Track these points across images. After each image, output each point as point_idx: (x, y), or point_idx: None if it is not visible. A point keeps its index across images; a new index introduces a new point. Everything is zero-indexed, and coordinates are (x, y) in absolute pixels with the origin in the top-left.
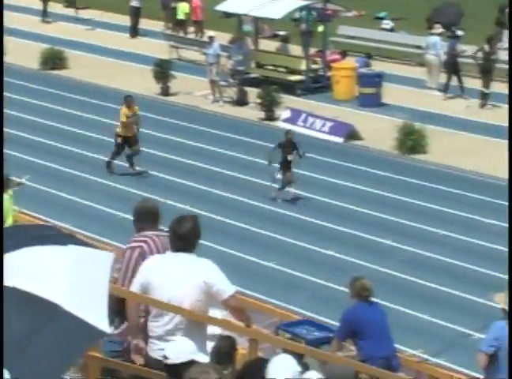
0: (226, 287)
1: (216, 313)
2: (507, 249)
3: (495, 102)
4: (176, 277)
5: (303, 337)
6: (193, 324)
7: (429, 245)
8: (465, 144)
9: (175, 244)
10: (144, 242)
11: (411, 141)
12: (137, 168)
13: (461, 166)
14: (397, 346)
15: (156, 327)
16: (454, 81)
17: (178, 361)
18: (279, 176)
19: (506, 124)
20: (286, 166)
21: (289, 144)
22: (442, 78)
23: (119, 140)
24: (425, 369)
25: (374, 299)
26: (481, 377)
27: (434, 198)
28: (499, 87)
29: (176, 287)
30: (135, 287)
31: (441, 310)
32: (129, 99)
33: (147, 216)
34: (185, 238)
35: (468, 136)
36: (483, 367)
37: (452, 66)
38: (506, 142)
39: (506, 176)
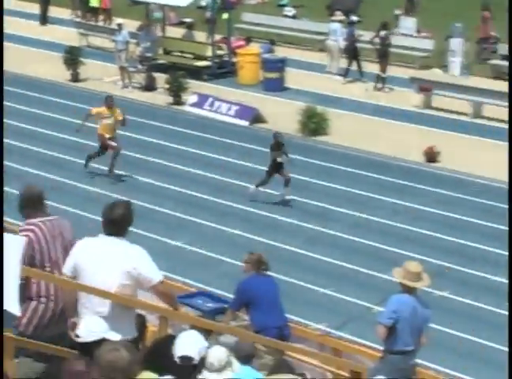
0: (154, 274)
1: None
2: (404, 226)
3: (391, 85)
4: (106, 261)
5: (199, 308)
6: (121, 306)
7: (331, 223)
8: (364, 125)
9: (107, 228)
10: (31, 230)
11: (313, 124)
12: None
13: (360, 147)
14: (301, 320)
15: (84, 309)
16: (354, 66)
17: (89, 339)
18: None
19: (401, 106)
20: (277, 167)
21: (279, 146)
22: (343, 63)
23: (106, 136)
24: (328, 341)
25: (277, 275)
26: (381, 348)
27: (335, 178)
28: (395, 71)
29: (105, 271)
30: (67, 269)
31: (343, 285)
32: (109, 100)
33: (32, 203)
34: (117, 224)
35: (366, 118)
36: (383, 338)
37: (351, 52)
38: (402, 124)
39: (401, 156)
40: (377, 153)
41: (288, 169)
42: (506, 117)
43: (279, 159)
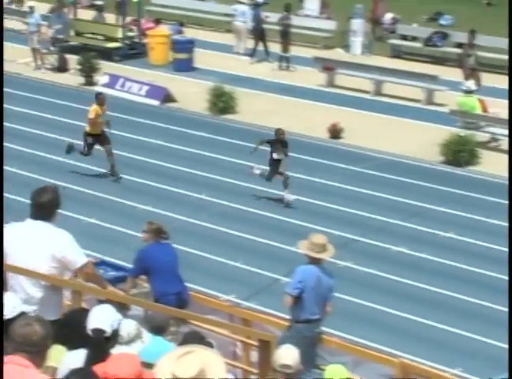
0: (79, 257)
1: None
2: (309, 200)
3: (296, 64)
4: (32, 245)
5: None
6: (50, 289)
7: (239, 198)
8: (271, 104)
9: (35, 213)
10: None
11: (222, 103)
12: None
13: (267, 125)
14: (212, 292)
15: (13, 292)
16: (260, 46)
17: (11, 315)
18: (257, 172)
19: (306, 85)
20: (274, 164)
21: (278, 143)
22: (249, 44)
23: (90, 139)
24: (237, 312)
25: (188, 248)
26: (288, 317)
27: (243, 155)
28: (299, 51)
29: (31, 255)
30: None
31: (252, 258)
32: (100, 97)
33: None
34: (44, 208)
35: (273, 96)
36: (289, 308)
37: (258, 33)
38: (307, 102)
39: (306, 133)
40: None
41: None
42: (404, 94)
43: (275, 156)
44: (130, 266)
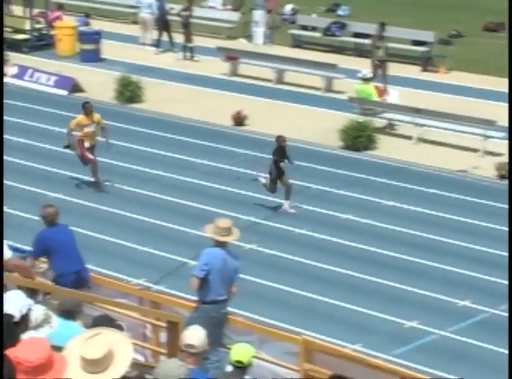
0: (4, 254)
1: None
2: (214, 185)
3: (200, 54)
4: None
5: None
6: None
7: (146, 185)
8: (177, 93)
9: None
10: None
11: (128, 92)
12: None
13: (173, 113)
14: (123, 276)
15: None
16: (165, 37)
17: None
18: (263, 181)
19: (210, 74)
20: (280, 173)
21: (282, 151)
22: (155, 35)
23: (88, 149)
24: (147, 295)
25: (99, 235)
26: (195, 298)
27: (150, 143)
28: (204, 41)
29: None
30: None
31: (160, 242)
32: (87, 106)
33: None
34: None
35: (178, 85)
36: (196, 289)
37: (163, 24)
38: (211, 90)
39: (211, 120)
40: (189, 118)
41: (289, 176)
42: (304, 82)
43: (282, 165)
44: (30, 249)
